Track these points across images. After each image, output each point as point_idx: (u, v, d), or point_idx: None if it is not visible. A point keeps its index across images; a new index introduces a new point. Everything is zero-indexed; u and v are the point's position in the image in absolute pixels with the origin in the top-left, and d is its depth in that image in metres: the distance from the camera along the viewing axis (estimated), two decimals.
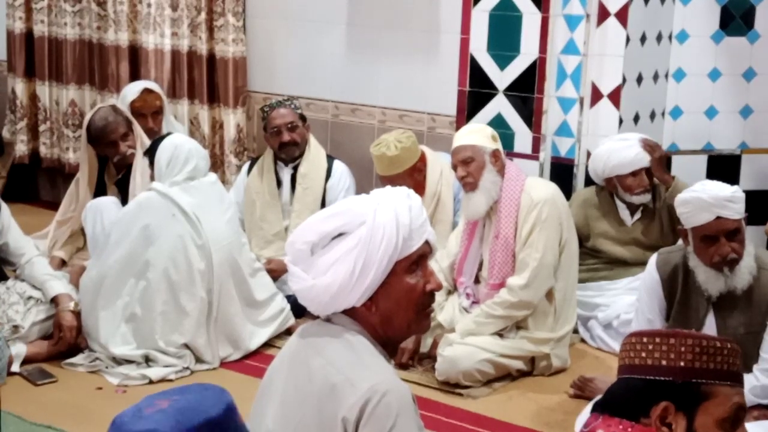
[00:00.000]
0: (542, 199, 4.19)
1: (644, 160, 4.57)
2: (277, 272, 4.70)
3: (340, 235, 2.06)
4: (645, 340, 1.91)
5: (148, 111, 5.34)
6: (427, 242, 2.11)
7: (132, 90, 5.61)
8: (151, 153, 4.53)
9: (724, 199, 3.41)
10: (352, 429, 1.95)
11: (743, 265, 3.48)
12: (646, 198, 4.65)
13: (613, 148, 4.62)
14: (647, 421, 1.87)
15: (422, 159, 4.71)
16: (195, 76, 6.02)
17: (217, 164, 5.99)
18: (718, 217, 3.42)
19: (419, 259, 2.10)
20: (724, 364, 1.88)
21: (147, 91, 5.53)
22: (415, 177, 4.67)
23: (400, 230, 2.05)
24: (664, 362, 1.88)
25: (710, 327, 3.54)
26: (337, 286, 2.03)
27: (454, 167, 4.30)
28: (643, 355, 1.90)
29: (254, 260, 4.61)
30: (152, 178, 4.51)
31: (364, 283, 2.03)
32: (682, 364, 1.87)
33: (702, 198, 3.43)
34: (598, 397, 2.07)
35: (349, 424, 1.95)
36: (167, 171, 4.41)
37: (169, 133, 4.74)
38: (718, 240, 3.44)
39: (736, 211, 3.43)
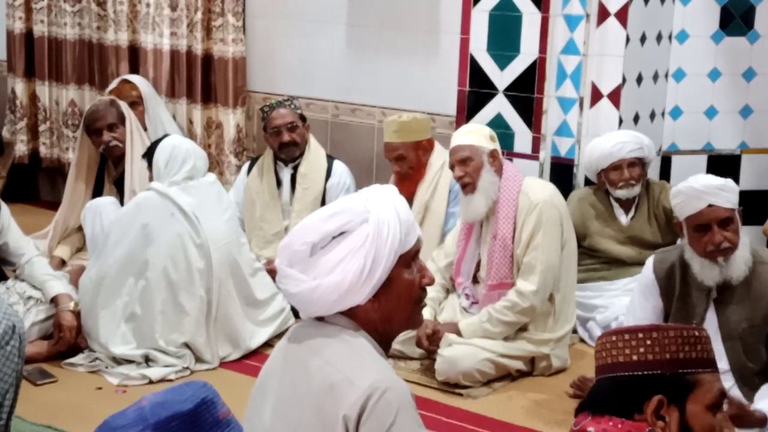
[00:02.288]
0: (541, 200, 4.19)
1: (622, 152, 4.58)
2: (276, 273, 4.69)
3: (340, 234, 2.06)
4: (627, 336, 1.92)
5: (123, 100, 5.33)
6: (419, 238, 2.13)
7: (113, 81, 5.71)
8: (149, 155, 4.54)
9: (715, 187, 3.46)
10: (353, 427, 1.96)
11: (738, 254, 3.50)
12: (630, 193, 4.66)
13: (596, 142, 4.68)
14: (641, 416, 1.88)
15: (430, 142, 4.82)
16: (193, 76, 6.03)
17: (212, 165, 5.99)
18: (710, 205, 3.46)
19: (415, 255, 2.12)
20: (704, 352, 1.92)
21: (124, 82, 5.60)
22: (419, 154, 4.73)
23: (401, 225, 2.07)
24: (650, 356, 1.89)
25: (711, 322, 3.55)
26: (347, 284, 2.03)
27: (452, 167, 4.29)
28: (627, 351, 1.91)
29: (254, 260, 4.61)
30: (151, 180, 4.52)
31: (373, 280, 2.04)
32: (668, 356, 1.89)
33: (693, 187, 3.49)
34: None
35: (350, 422, 1.96)
36: (166, 171, 4.42)
37: (166, 135, 4.74)
38: (711, 228, 3.47)
39: (728, 200, 3.47)
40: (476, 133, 4.30)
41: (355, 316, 2.10)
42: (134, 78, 5.74)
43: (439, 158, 4.78)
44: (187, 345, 4.30)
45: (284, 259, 2.11)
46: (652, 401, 1.87)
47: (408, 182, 4.71)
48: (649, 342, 1.90)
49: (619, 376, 1.91)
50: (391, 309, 2.10)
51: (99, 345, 4.27)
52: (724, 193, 3.46)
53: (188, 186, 4.43)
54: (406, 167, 4.72)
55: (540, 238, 4.16)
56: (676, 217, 3.64)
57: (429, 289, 2.21)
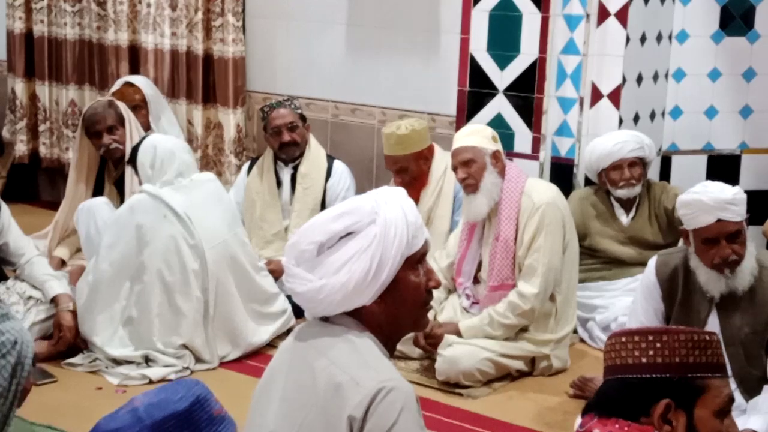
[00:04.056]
0: (543, 201, 4.18)
1: (622, 152, 4.58)
2: (277, 273, 4.69)
3: (348, 234, 2.06)
4: (637, 338, 1.91)
5: (127, 104, 5.30)
6: (426, 240, 2.14)
7: (116, 84, 5.68)
8: (132, 160, 4.51)
9: (725, 202, 3.39)
10: (358, 427, 1.97)
11: (744, 266, 3.46)
12: (631, 192, 4.66)
13: (596, 142, 4.67)
14: (647, 420, 1.87)
15: (430, 149, 4.76)
16: (193, 76, 6.02)
17: (210, 164, 5.99)
18: (719, 220, 3.39)
19: (421, 258, 2.13)
20: (713, 357, 1.91)
21: (127, 84, 5.58)
22: (420, 164, 4.70)
23: (409, 227, 2.08)
24: (659, 359, 1.88)
25: (713, 327, 3.51)
26: (352, 285, 2.04)
27: (455, 168, 4.29)
28: (636, 353, 1.90)
29: (257, 258, 4.60)
30: (140, 184, 4.47)
31: (379, 280, 2.05)
32: (677, 360, 1.88)
33: (703, 200, 3.41)
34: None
35: (355, 422, 1.97)
36: (155, 172, 4.37)
37: (144, 137, 4.67)
38: (719, 242, 3.43)
39: (737, 213, 3.41)
40: (479, 135, 4.29)
41: (360, 317, 2.10)
42: (137, 80, 5.72)
43: (440, 163, 4.76)
44: (185, 347, 4.29)
45: (291, 258, 2.11)
46: (659, 405, 1.86)
47: (411, 190, 4.66)
48: (658, 345, 1.89)
49: (628, 378, 1.90)
50: (397, 310, 2.10)
51: (97, 349, 4.27)
52: (733, 207, 3.39)
53: (181, 186, 4.40)
54: (408, 178, 4.68)
55: (542, 240, 4.15)
56: (682, 225, 3.60)
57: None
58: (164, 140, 4.55)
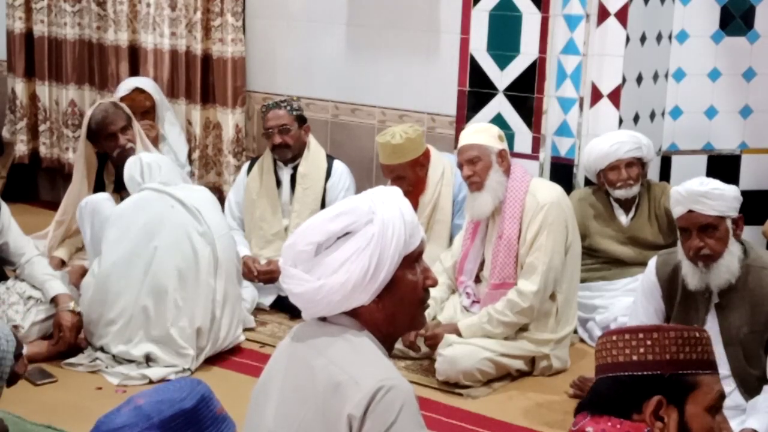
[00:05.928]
0: (548, 201, 4.18)
1: (619, 152, 4.59)
2: (277, 273, 4.69)
3: (345, 234, 2.07)
4: (627, 336, 1.92)
5: (136, 110, 5.32)
6: (422, 239, 2.15)
7: (123, 87, 5.69)
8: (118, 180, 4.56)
9: (697, 194, 3.45)
10: (358, 425, 1.97)
11: (722, 263, 3.48)
12: (629, 192, 4.66)
13: (594, 143, 4.68)
14: (639, 417, 1.88)
15: (426, 155, 4.74)
16: (192, 76, 6.02)
17: (209, 165, 5.99)
18: (690, 211, 3.46)
19: (418, 256, 2.13)
20: (704, 354, 1.92)
21: (137, 91, 5.58)
22: (416, 171, 4.69)
23: (406, 226, 2.08)
24: (650, 357, 1.90)
25: (712, 327, 3.52)
26: (351, 284, 2.04)
27: (460, 166, 4.29)
28: (627, 351, 1.91)
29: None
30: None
31: (377, 280, 2.05)
32: (668, 357, 1.89)
33: (678, 191, 3.51)
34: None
35: (354, 421, 1.97)
36: (148, 177, 4.44)
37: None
38: (691, 233, 3.49)
39: (712, 207, 3.45)
40: (485, 133, 4.29)
41: (358, 317, 2.10)
42: (146, 85, 5.70)
43: (437, 168, 4.75)
44: (198, 331, 4.28)
45: (288, 259, 2.11)
46: (651, 401, 1.88)
47: (409, 197, 4.63)
48: (649, 342, 1.90)
49: (619, 376, 1.91)
50: (395, 310, 2.11)
51: (104, 346, 4.27)
52: (706, 200, 3.44)
53: (177, 188, 4.47)
54: (405, 186, 4.63)
55: (543, 239, 4.16)
56: None
57: (435, 288, 2.21)
58: (147, 153, 4.70)
